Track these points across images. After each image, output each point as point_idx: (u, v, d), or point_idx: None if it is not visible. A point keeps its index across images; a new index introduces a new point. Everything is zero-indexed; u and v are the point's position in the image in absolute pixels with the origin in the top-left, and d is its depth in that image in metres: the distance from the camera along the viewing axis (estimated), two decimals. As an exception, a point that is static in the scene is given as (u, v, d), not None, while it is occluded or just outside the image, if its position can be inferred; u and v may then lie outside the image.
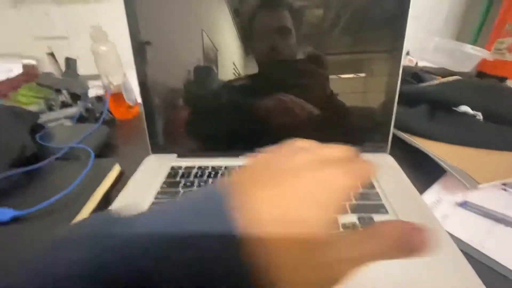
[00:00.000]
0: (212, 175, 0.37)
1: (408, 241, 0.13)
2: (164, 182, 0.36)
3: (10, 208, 0.32)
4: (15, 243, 0.30)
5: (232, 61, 0.38)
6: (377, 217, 0.29)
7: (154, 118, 0.41)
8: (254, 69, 0.38)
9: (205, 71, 0.39)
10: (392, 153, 0.40)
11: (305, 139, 0.19)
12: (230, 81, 0.38)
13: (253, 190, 0.14)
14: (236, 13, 0.36)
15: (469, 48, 0.59)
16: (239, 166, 0.37)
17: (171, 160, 0.41)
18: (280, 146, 0.18)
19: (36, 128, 0.49)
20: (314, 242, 0.13)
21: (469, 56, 0.60)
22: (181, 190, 0.34)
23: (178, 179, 0.36)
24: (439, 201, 0.34)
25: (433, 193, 0.35)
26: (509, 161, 0.34)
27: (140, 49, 0.38)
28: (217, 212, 0.13)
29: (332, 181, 0.14)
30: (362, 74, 0.38)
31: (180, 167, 0.39)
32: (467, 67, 0.62)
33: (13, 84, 0.70)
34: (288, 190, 0.14)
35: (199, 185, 0.35)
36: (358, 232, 0.16)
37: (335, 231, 0.14)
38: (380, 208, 0.30)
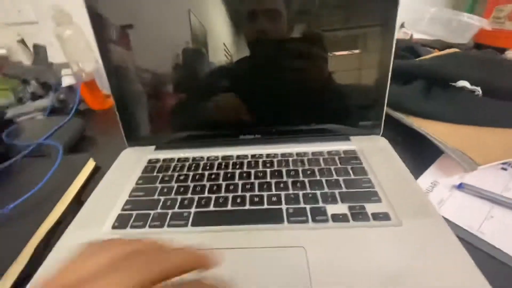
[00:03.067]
0: (193, 168, 0.34)
1: None
2: (140, 178, 0.33)
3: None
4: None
5: (222, 41, 0.34)
6: (370, 206, 0.27)
7: (128, 107, 0.37)
8: (245, 50, 0.34)
9: (192, 53, 0.34)
10: (385, 135, 0.38)
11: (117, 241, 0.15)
12: (218, 66, 0.35)
13: None
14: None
15: (466, 17, 0.55)
16: (223, 157, 0.36)
17: (148, 153, 0.38)
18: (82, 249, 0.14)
19: (4, 124, 0.45)
20: None
21: (466, 26, 0.56)
22: (158, 185, 0.32)
23: (155, 173, 0.34)
24: (435, 184, 0.31)
25: (429, 176, 0.33)
26: (507, 139, 0.32)
27: (100, 29, 0.33)
28: None
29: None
30: (355, 51, 0.34)
31: (158, 160, 0.36)
32: (464, 38, 0.58)
33: (-21, 76, 0.65)
34: None
35: (178, 179, 0.32)
36: None
37: None
38: (372, 196, 0.28)
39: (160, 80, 0.36)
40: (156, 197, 0.30)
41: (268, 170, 0.33)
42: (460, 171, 0.31)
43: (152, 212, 0.28)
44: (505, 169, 0.32)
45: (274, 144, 0.37)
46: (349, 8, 0.32)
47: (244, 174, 0.32)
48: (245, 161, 0.34)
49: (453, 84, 0.37)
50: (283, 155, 0.35)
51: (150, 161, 0.36)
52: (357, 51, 0.34)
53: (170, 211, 0.28)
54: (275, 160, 0.34)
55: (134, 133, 0.39)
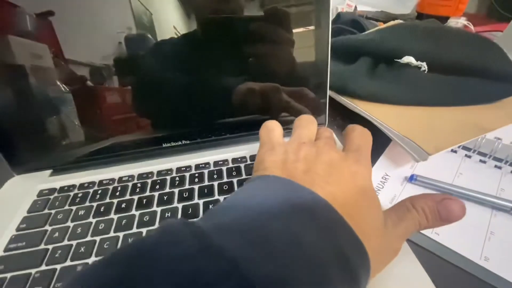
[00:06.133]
0: (98, 196, 0.26)
1: (445, 211, 0.16)
2: (24, 220, 0.25)
3: None
4: None
5: (173, 25, 0.26)
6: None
7: (7, 123, 0.28)
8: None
9: (129, 42, 0.26)
10: (331, 123, 0.33)
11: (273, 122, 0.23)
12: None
13: (318, 186, 0.16)
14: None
15: (408, -15, 0.52)
16: (139, 175, 0.28)
17: (41, 181, 0.29)
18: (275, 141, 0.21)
19: None
20: (381, 227, 0.16)
21: (409, -5, 0.54)
22: (48, 228, 0.24)
23: (46, 210, 0.25)
24: (386, 178, 0.28)
25: (379, 169, 0.29)
26: (459, 119, 0.29)
27: None
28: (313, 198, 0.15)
29: (359, 170, 0.17)
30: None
31: (52, 190, 0.27)
32: (407, 7, 0.56)
33: None
34: (343, 187, 0.16)
35: (76, 216, 0.24)
36: (394, 209, 0.17)
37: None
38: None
39: (68, 80, 0.27)
40: (41, 246, 0.22)
41: (196, 187, 0.26)
42: (409, 159, 0.28)
43: (33, 271, 0.21)
44: (455, 151, 0.30)
45: (206, 149, 0.31)
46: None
47: (165, 197, 0.26)
48: (168, 177, 0.28)
49: (398, 60, 0.34)
50: (216, 163, 0.29)
51: (41, 193, 0.27)
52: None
53: (59, 266, 0.21)
54: (205, 171, 0.28)
55: (21, 156, 0.29)
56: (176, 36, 0.26)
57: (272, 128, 0.22)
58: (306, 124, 0.22)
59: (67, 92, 0.28)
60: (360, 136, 0.20)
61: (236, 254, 0.11)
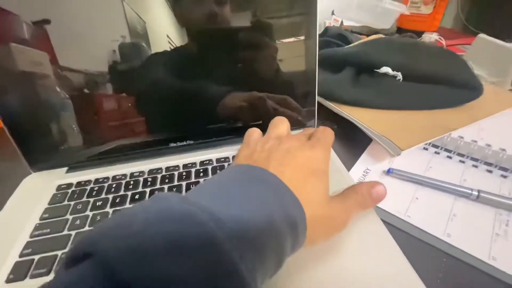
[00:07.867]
0: (113, 189, 0.29)
1: (375, 192, 0.22)
2: (46, 210, 0.27)
3: None
4: None
5: (166, 33, 0.29)
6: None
7: (26, 123, 0.30)
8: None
9: (123, 50, 0.29)
10: (320, 125, 0.37)
11: (253, 128, 0.28)
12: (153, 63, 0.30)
13: (272, 166, 0.20)
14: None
15: (387, 4, 0.58)
16: (149, 171, 0.31)
17: (58, 177, 0.32)
18: (252, 139, 0.26)
19: None
20: (324, 200, 0.20)
21: (389, 12, 0.59)
22: (69, 217, 0.27)
23: (65, 202, 0.28)
24: (367, 172, 0.32)
25: (361, 164, 0.33)
26: (428, 121, 0.34)
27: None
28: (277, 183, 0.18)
29: (313, 155, 0.22)
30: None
31: (70, 185, 0.30)
32: (388, 23, 0.62)
33: None
34: (293, 167, 0.20)
35: (94, 206, 0.27)
36: (343, 191, 0.22)
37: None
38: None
39: (73, 85, 0.30)
40: (65, 232, 0.25)
41: (201, 180, 0.30)
42: (388, 156, 0.33)
43: (59, 252, 0.24)
44: (426, 149, 0.35)
45: (209, 148, 0.34)
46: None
47: (174, 189, 0.29)
48: (176, 173, 0.31)
49: (377, 70, 0.39)
50: (218, 160, 0.32)
51: (59, 187, 0.30)
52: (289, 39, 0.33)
53: (83, 248, 0.24)
54: (209, 167, 0.31)
55: (38, 155, 0.32)
56: (169, 44, 0.30)
57: (251, 133, 0.27)
58: (277, 123, 0.27)
59: (78, 97, 0.31)
60: (321, 131, 0.25)
61: (210, 205, 0.15)
